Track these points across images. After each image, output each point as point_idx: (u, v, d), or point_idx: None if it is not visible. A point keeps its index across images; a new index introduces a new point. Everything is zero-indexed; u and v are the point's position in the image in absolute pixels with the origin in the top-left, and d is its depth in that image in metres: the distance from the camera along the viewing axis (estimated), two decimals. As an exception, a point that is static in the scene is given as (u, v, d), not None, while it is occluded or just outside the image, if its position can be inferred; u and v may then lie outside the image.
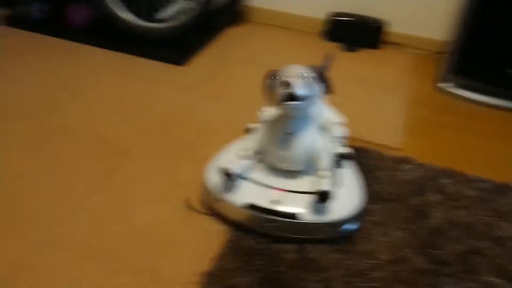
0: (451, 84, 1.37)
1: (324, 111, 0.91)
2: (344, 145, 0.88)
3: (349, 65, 1.50)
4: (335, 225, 0.79)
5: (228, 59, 1.48)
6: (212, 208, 0.86)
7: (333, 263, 0.77)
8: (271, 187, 0.82)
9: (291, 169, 0.84)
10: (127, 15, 1.43)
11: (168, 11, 1.46)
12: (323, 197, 0.76)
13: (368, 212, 0.88)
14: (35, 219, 0.82)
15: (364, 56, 1.57)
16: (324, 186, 0.77)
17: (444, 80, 1.38)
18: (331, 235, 0.80)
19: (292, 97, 0.74)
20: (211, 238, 0.81)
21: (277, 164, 0.84)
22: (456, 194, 0.95)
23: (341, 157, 0.86)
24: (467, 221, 0.88)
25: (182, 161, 0.99)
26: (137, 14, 1.45)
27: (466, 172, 1.01)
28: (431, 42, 1.58)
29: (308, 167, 0.84)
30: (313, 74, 0.77)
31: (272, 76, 0.79)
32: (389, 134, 1.15)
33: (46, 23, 1.55)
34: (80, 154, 0.99)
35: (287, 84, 0.74)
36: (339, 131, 0.88)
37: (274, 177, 0.84)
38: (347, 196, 0.82)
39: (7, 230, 0.80)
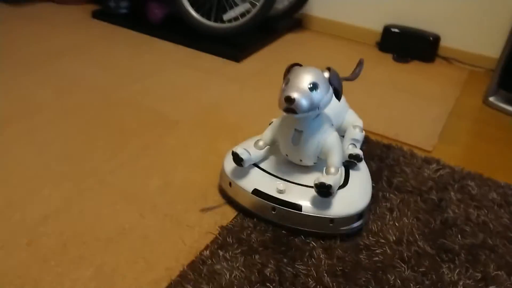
0: (500, 99, 1.36)
1: (346, 112, 0.96)
2: (358, 148, 0.92)
3: (398, 74, 1.54)
4: (335, 222, 0.81)
5: (281, 59, 1.59)
6: (225, 191, 0.91)
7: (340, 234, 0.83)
8: (280, 178, 0.86)
9: (302, 164, 0.87)
10: (197, 15, 1.61)
11: (234, 13, 1.61)
12: (321, 189, 0.77)
13: (385, 199, 0.93)
14: (91, 166, 0.98)
15: (415, 67, 1.61)
16: (327, 179, 0.78)
17: (493, 94, 1.37)
18: (332, 231, 0.82)
19: (292, 111, 0.75)
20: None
21: (288, 157, 0.88)
22: (479, 195, 0.96)
23: (353, 158, 0.89)
24: (485, 219, 0.89)
25: (221, 137, 1.11)
26: (208, 14, 1.62)
27: (495, 178, 1.02)
28: (485, 59, 1.57)
29: (320, 164, 0.87)
30: (323, 80, 0.78)
31: (286, 74, 0.81)
32: (424, 137, 1.18)
33: (127, 18, 1.77)
34: (136, 121, 1.15)
35: (289, 100, 0.74)
36: (356, 133, 0.93)
37: (285, 169, 0.88)
38: (352, 196, 0.84)
39: (66, 173, 0.96)
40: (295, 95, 0.74)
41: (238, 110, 1.24)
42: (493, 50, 1.54)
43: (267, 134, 0.89)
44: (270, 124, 0.92)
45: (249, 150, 0.86)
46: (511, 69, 1.33)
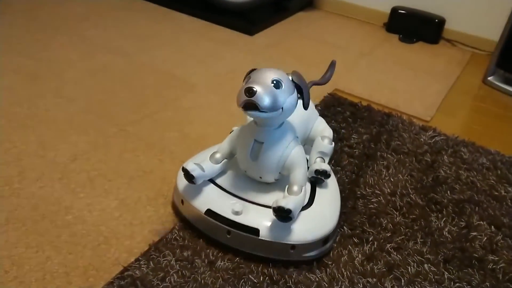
0: (498, 78, 1.43)
1: (315, 120, 0.85)
2: (326, 162, 0.81)
3: (404, 53, 1.61)
4: (297, 248, 0.72)
5: (292, 34, 1.67)
6: (177, 209, 0.81)
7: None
8: (237, 196, 0.76)
9: (262, 180, 0.77)
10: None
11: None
12: (280, 213, 0.68)
13: (383, 158, 1.01)
14: (114, 118, 1.07)
15: (420, 47, 1.68)
16: (286, 203, 0.67)
17: (491, 74, 1.44)
18: (293, 258, 0.73)
19: (253, 106, 0.65)
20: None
21: (247, 173, 0.78)
22: (470, 159, 1.04)
23: (319, 174, 0.78)
24: (473, 180, 0.97)
25: (233, 101, 1.19)
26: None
27: (487, 147, 1.10)
28: (487, 42, 1.63)
29: (282, 180, 0.77)
30: (287, 80, 0.69)
31: (247, 75, 0.71)
32: (423, 109, 1.25)
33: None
34: (156, 83, 1.23)
35: (250, 92, 0.65)
36: (325, 146, 0.81)
37: (243, 186, 0.78)
38: (317, 219, 0.75)
39: (91, 124, 1.05)
40: (257, 87, 0.65)
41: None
42: (495, 33, 1.60)
43: (225, 145, 0.79)
44: (230, 133, 0.81)
45: (203, 164, 0.76)
46: (510, 50, 1.39)
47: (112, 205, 0.83)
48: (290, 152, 0.73)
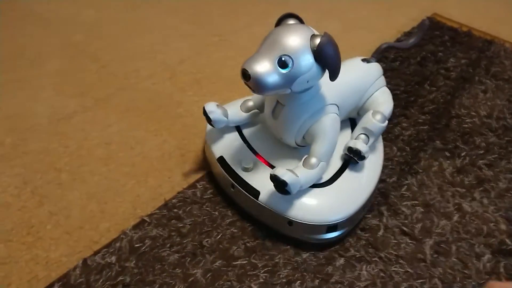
0: None
1: (375, 91, 0.70)
2: (370, 142, 0.67)
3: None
4: (294, 225, 0.62)
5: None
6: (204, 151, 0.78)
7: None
8: (255, 152, 0.68)
9: (283, 141, 0.68)
10: None
11: None
12: (275, 183, 0.59)
13: (481, 82, 0.99)
14: (215, 29, 1.13)
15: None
16: (283, 174, 0.57)
17: None
18: (292, 235, 0.64)
19: (247, 77, 0.54)
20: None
21: (271, 130, 0.69)
22: None
23: (352, 152, 0.65)
24: None
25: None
26: None
27: None
28: None
29: (306, 148, 0.66)
30: (305, 52, 0.54)
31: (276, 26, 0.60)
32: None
33: None
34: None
35: (245, 75, 0.54)
36: (373, 122, 0.66)
37: (267, 144, 0.70)
38: (324, 202, 0.63)
39: (193, 32, 1.11)
40: (253, 69, 0.53)
41: None
42: None
43: (258, 97, 0.71)
44: None
45: (229, 108, 0.70)
46: None
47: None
48: (316, 119, 0.62)
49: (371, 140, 0.67)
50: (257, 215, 0.66)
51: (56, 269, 0.61)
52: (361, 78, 0.69)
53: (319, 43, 0.53)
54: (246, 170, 0.66)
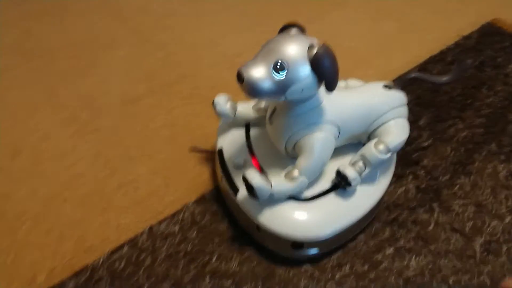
0: None
1: (390, 120, 0.64)
2: (365, 171, 0.61)
3: None
4: (261, 231, 0.61)
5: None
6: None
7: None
8: (251, 151, 0.67)
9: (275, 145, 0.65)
10: None
11: None
12: (245, 183, 0.57)
13: None
14: (268, 27, 1.17)
15: None
16: (252, 177, 0.56)
17: None
18: (259, 240, 0.64)
19: (241, 80, 0.53)
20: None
21: (268, 131, 0.66)
22: None
23: (339, 177, 0.61)
24: None
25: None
26: None
27: None
28: None
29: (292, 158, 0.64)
30: (301, 60, 0.52)
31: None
32: None
33: None
34: None
35: (239, 77, 0.53)
36: (373, 152, 0.60)
37: (265, 146, 0.67)
38: (295, 216, 0.60)
39: (247, 25, 1.16)
40: (248, 72, 0.52)
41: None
42: None
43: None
44: None
45: (241, 105, 0.69)
46: None
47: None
48: (306, 133, 0.59)
49: (368, 170, 0.62)
50: (235, 213, 0.67)
51: (125, 233, 0.67)
52: (374, 104, 0.63)
53: (315, 53, 0.52)
54: (236, 167, 0.65)
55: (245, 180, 0.56)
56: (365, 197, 0.63)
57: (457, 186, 0.75)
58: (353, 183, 0.60)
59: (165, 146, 0.81)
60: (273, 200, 0.59)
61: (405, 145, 0.64)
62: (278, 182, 0.58)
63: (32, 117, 0.86)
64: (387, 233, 0.67)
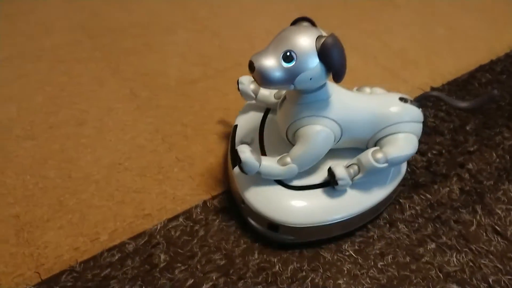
0: None
1: (399, 133, 0.63)
2: (359, 174, 0.62)
3: None
4: (245, 205, 0.64)
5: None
6: None
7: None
8: (261, 132, 0.71)
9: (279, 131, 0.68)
10: None
11: None
12: (237, 158, 0.60)
13: None
14: (295, 14, 1.19)
15: None
16: (244, 157, 0.58)
17: None
18: (244, 214, 0.67)
19: (252, 69, 0.55)
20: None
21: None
22: None
23: (329, 174, 0.63)
24: None
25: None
26: None
27: None
28: None
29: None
30: (309, 50, 0.54)
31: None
32: None
33: None
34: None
35: (250, 67, 0.55)
36: (368, 159, 0.61)
37: (275, 132, 0.70)
38: (275, 197, 0.62)
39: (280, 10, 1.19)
40: (259, 62, 0.54)
41: None
42: None
43: None
44: None
45: (264, 89, 0.72)
46: None
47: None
48: (306, 124, 0.61)
49: (361, 175, 0.62)
50: (231, 186, 0.70)
51: (181, 204, 0.71)
52: (384, 113, 0.63)
53: (323, 43, 0.53)
54: (243, 142, 0.69)
55: (236, 153, 0.60)
56: (353, 202, 0.64)
57: (501, 191, 0.77)
58: (339, 183, 0.61)
59: (219, 127, 0.85)
60: (261, 179, 0.63)
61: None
62: (268, 162, 0.61)
63: (96, 91, 0.92)
64: (429, 229, 0.70)
